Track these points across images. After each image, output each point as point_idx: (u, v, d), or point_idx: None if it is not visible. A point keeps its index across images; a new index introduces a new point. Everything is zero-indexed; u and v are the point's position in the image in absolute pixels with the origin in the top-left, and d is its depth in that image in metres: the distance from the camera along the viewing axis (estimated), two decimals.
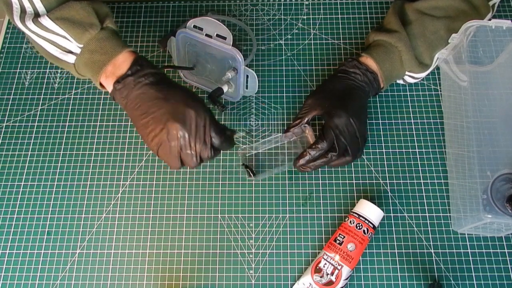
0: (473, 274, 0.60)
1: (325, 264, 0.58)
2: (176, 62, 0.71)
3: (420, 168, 0.66)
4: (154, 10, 0.79)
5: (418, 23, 0.65)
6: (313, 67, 0.73)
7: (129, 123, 0.70)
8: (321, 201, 0.64)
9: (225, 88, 0.66)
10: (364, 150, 0.67)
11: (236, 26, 0.77)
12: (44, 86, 0.73)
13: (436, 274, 0.60)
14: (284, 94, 0.71)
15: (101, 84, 0.59)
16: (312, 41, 0.76)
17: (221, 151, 0.59)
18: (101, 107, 0.71)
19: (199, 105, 0.55)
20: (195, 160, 0.55)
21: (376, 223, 0.60)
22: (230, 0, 0.80)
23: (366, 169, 0.66)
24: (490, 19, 0.63)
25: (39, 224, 0.64)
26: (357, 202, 0.62)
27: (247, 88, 0.68)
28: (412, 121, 0.69)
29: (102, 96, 0.72)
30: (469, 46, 0.62)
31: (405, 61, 0.64)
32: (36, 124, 0.70)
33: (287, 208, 0.64)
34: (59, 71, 0.74)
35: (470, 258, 0.61)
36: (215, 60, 0.66)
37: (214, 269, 0.61)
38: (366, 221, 0.59)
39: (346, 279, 0.58)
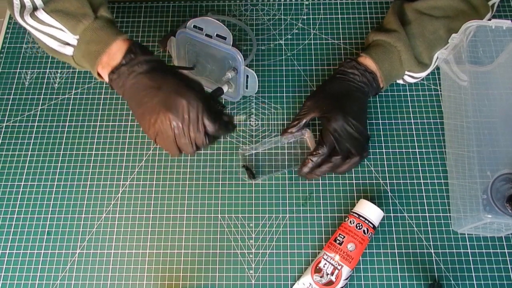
0: (473, 274, 0.60)
1: (325, 264, 0.58)
2: (176, 62, 0.71)
3: (420, 168, 0.66)
4: (154, 10, 0.79)
5: (417, 23, 0.65)
6: (313, 67, 0.73)
7: (129, 123, 0.70)
8: (321, 201, 0.64)
9: (225, 88, 0.66)
10: None
11: (236, 26, 0.77)
12: (44, 86, 0.73)
13: (436, 274, 0.60)
14: (284, 94, 0.71)
15: (100, 75, 0.59)
16: (312, 41, 0.76)
17: (222, 136, 0.58)
18: (101, 107, 0.71)
19: (191, 92, 0.54)
20: (191, 148, 0.55)
21: (376, 223, 0.60)
22: (230, 0, 0.80)
23: (366, 169, 0.66)
24: (489, 19, 0.63)
25: (39, 224, 0.64)
26: (357, 202, 0.62)
27: (247, 88, 0.68)
28: (412, 121, 0.69)
29: (102, 96, 0.72)
30: (469, 46, 0.62)
31: (404, 60, 0.64)
32: (36, 124, 0.70)
33: (287, 208, 0.64)
34: (59, 71, 0.74)
35: (470, 258, 0.61)
36: (215, 60, 0.66)
37: (214, 269, 0.61)
38: (366, 221, 0.59)
39: (346, 279, 0.58)
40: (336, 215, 0.63)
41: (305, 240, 0.62)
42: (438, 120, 0.69)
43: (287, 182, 0.66)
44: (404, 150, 0.67)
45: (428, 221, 0.63)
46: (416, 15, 0.66)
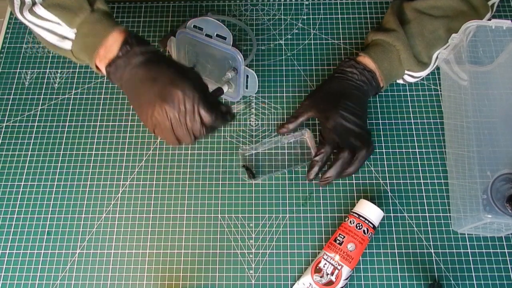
0: (473, 274, 0.60)
1: (325, 264, 0.58)
2: None
3: (420, 168, 0.66)
4: (154, 10, 0.79)
5: (416, 22, 0.65)
6: (313, 67, 0.73)
7: (129, 123, 0.70)
8: (321, 201, 0.64)
9: (225, 88, 0.66)
10: None
11: (236, 26, 0.77)
12: (44, 86, 0.73)
13: (436, 274, 0.60)
14: (284, 94, 0.71)
15: (99, 68, 0.58)
16: (312, 41, 0.76)
17: (221, 126, 0.58)
18: (101, 107, 0.71)
19: (186, 83, 0.53)
20: (189, 138, 0.55)
21: (376, 223, 0.60)
22: (230, 0, 0.80)
23: (366, 169, 0.66)
24: (489, 19, 0.63)
25: (39, 224, 0.64)
26: (357, 202, 0.62)
27: (247, 88, 0.68)
28: (412, 121, 0.69)
29: (102, 96, 0.72)
30: (469, 46, 0.62)
31: (404, 59, 0.64)
32: (36, 124, 0.70)
33: (287, 208, 0.64)
34: (59, 71, 0.74)
35: (470, 258, 0.61)
36: (215, 60, 0.66)
37: (214, 269, 0.61)
38: (366, 221, 0.59)
39: (346, 279, 0.58)
40: (336, 215, 0.63)
41: (305, 240, 0.62)
42: (438, 120, 0.69)
43: (287, 182, 0.66)
44: (404, 150, 0.67)
45: (428, 221, 0.63)
46: (416, 14, 0.66)
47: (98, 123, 0.70)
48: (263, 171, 0.66)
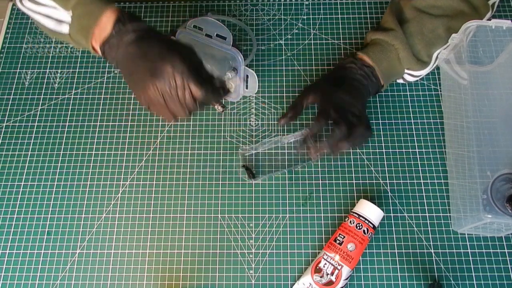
0: (473, 274, 0.60)
1: (325, 264, 0.58)
2: None
3: (420, 168, 0.66)
4: (154, 10, 0.79)
5: (415, 21, 0.65)
6: (313, 67, 0.73)
7: (129, 123, 0.70)
8: (321, 201, 0.64)
9: None
10: (364, 150, 0.67)
11: (236, 26, 0.77)
12: (44, 86, 0.73)
13: (436, 274, 0.60)
14: (284, 94, 0.71)
15: (95, 49, 0.58)
16: (312, 41, 0.76)
17: (216, 100, 0.57)
18: (101, 107, 0.71)
19: (175, 57, 0.53)
20: (183, 112, 0.55)
21: (376, 223, 0.60)
22: (230, 0, 0.80)
23: (366, 169, 0.66)
24: (489, 19, 0.63)
25: (39, 224, 0.64)
26: (357, 202, 0.62)
27: (247, 88, 0.68)
28: (412, 121, 0.69)
29: (102, 96, 0.72)
30: (469, 46, 0.62)
31: (403, 58, 0.64)
32: (36, 124, 0.70)
33: (287, 208, 0.64)
34: (59, 71, 0.74)
35: (470, 258, 0.61)
36: (215, 60, 0.66)
37: (214, 269, 0.61)
38: (366, 221, 0.59)
39: (346, 279, 0.58)
40: (336, 215, 0.63)
41: (305, 240, 0.62)
42: (438, 120, 0.69)
43: (287, 182, 0.66)
44: (404, 150, 0.67)
45: (428, 221, 0.63)
46: (415, 13, 0.66)
47: (98, 123, 0.70)
48: (263, 171, 0.66)
